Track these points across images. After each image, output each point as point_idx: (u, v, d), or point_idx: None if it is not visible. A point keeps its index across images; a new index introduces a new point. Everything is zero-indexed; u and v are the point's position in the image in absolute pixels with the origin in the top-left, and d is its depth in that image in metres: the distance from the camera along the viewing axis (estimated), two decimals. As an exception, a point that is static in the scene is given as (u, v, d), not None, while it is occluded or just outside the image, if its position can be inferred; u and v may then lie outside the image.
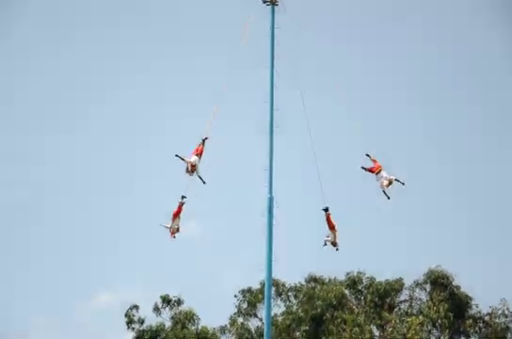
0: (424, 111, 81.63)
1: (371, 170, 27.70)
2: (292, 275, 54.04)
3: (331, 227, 28.11)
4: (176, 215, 27.81)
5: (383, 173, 27.51)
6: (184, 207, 27.81)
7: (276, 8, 28.70)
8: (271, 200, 27.19)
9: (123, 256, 70.08)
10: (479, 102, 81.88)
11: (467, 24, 79.95)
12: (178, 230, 27.84)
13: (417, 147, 78.18)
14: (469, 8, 70.45)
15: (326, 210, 28.01)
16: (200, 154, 27.40)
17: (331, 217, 28.07)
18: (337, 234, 28.06)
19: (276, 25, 28.36)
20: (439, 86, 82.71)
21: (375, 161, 27.82)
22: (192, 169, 27.05)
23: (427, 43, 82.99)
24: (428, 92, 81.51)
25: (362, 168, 27.70)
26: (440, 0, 76.71)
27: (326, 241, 28.20)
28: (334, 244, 28.18)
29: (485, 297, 57.58)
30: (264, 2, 28.74)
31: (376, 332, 48.40)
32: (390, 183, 27.35)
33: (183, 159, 27.04)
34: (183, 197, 27.74)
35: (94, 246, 73.92)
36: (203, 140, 27.76)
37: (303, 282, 53.13)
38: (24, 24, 68.62)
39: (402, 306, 50.39)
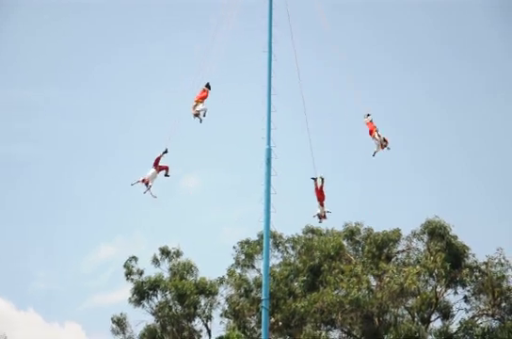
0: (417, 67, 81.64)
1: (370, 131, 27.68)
2: (290, 227, 54.35)
3: (321, 199, 27.92)
4: (156, 164, 27.69)
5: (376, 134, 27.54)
6: (161, 160, 27.70)
7: None
8: (269, 151, 27.11)
9: (124, 209, 70.43)
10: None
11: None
12: (148, 182, 27.56)
13: (413, 101, 78.15)
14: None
15: (314, 179, 27.76)
16: (203, 99, 27.47)
17: (324, 187, 27.88)
18: (325, 206, 27.95)
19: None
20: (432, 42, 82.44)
21: (369, 123, 27.70)
22: (196, 114, 27.24)
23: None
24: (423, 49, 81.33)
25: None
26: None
27: (319, 216, 28.13)
28: (323, 216, 28.10)
29: (481, 246, 58.07)
30: None
31: (374, 282, 48.72)
32: (384, 141, 27.38)
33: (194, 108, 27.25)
34: (165, 151, 27.68)
35: (95, 200, 74.25)
36: (208, 86, 27.68)
37: (301, 234, 53.33)
38: None
39: (399, 256, 50.68)
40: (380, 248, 49.85)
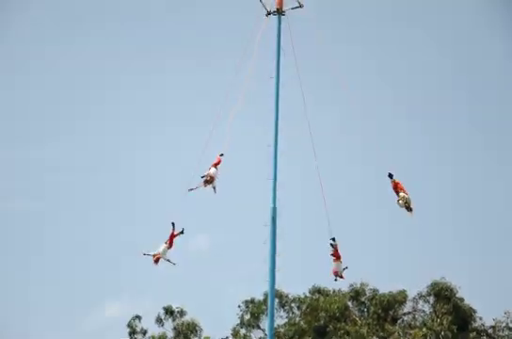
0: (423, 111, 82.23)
1: (395, 190, 27.70)
2: (295, 286, 54.03)
3: (337, 257, 27.95)
4: (170, 243, 28.05)
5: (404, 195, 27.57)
6: (175, 239, 28.10)
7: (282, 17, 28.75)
8: (274, 210, 27.15)
9: (131, 268, 70.16)
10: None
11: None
12: (159, 259, 27.94)
13: (418, 160, 78.41)
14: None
15: (333, 240, 27.77)
16: (216, 166, 27.76)
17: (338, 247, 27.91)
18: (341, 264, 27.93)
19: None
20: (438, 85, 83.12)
21: (398, 183, 27.74)
22: (210, 180, 27.42)
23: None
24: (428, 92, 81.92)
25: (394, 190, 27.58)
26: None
27: (336, 276, 28.12)
28: (341, 276, 28.06)
29: (488, 309, 57.50)
30: (269, 14, 28.78)
31: (380, 345, 48.28)
32: (406, 202, 27.38)
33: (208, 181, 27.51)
34: (181, 232, 28.05)
35: (103, 258, 74.12)
36: (221, 155, 28.02)
37: (307, 294, 53.05)
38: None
39: (405, 318, 50.30)
40: (386, 309, 49.53)
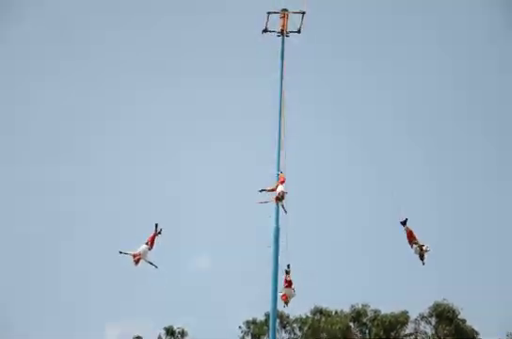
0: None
1: (409, 239, 27.74)
2: (296, 307, 53.81)
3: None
4: (151, 244, 27.88)
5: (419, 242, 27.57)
6: (156, 239, 27.96)
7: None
8: (277, 230, 27.17)
9: (131, 288, 69.93)
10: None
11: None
12: (139, 259, 27.70)
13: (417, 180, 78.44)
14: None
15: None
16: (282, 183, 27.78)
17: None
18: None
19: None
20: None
21: (411, 232, 27.79)
22: (282, 196, 27.40)
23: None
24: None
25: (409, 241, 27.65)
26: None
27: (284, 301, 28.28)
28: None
29: (491, 331, 57.22)
30: (266, 31, 29.04)
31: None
32: (422, 250, 27.46)
33: (270, 190, 27.54)
34: (159, 232, 27.99)
35: (103, 279, 73.89)
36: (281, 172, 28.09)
37: (309, 314, 52.85)
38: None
39: (407, 339, 50.14)
40: (388, 330, 49.34)
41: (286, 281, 28.18)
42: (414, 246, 27.47)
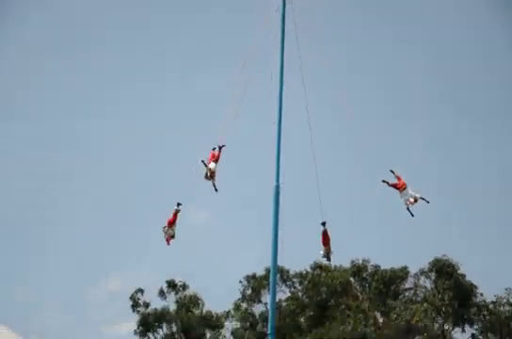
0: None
1: (395, 186, 27.32)
2: (297, 263, 54.16)
3: (325, 243, 27.93)
4: (172, 222, 27.78)
5: (409, 191, 27.24)
6: (179, 215, 27.83)
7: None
8: (277, 188, 27.17)
9: (133, 242, 70.40)
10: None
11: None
12: (173, 236, 27.74)
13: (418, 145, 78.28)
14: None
15: (323, 224, 27.83)
16: (216, 161, 27.25)
17: (328, 231, 27.91)
18: (331, 248, 27.94)
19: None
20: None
21: (399, 178, 27.45)
22: (211, 175, 26.98)
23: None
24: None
25: (384, 181, 27.23)
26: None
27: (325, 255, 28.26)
28: (328, 258, 28.11)
29: (489, 286, 57.68)
30: None
31: (381, 319, 48.47)
32: (415, 201, 27.12)
33: (206, 165, 26.93)
34: (178, 204, 27.79)
35: (106, 232, 74.33)
36: (220, 147, 27.54)
37: (308, 270, 53.21)
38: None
39: (406, 294, 50.46)
40: (387, 284, 49.71)
41: (325, 237, 27.99)
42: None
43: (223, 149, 27.61)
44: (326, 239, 27.80)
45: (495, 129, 79.89)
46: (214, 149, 27.57)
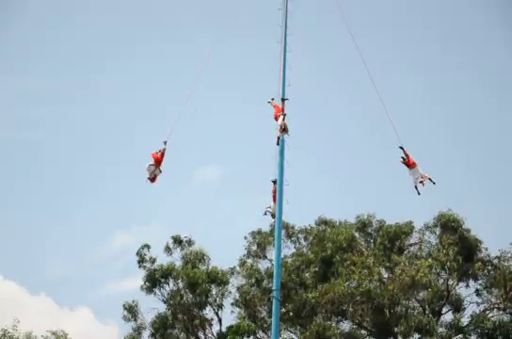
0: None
1: (406, 163, 27.55)
2: (302, 218, 54.37)
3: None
4: (160, 161, 27.63)
5: (418, 169, 27.41)
6: (165, 153, 27.68)
7: None
8: (283, 142, 27.09)
9: (139, 198, 70.64)
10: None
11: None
12: (159, 173, 27.63)
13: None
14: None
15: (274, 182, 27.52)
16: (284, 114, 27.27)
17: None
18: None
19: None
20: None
21: (408, 156, 27.60)
22: (285, 128, 26.97)
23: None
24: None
25: (403, 158, 27.44)
26: None
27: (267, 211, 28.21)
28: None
29: (494, 240, 57.86)
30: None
31: (385, 274, 48.65)
32: (423, 180, 27.33)
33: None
34: (165, 142, 27.65)
35: (112, 188, 74.54)
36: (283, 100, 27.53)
37: (313, 225, 53.34)
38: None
39: (411, 249, 50.59)
40: (392, 240, 49.81)
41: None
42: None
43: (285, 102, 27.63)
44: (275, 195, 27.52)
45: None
46: (273, 99, 27.55)
